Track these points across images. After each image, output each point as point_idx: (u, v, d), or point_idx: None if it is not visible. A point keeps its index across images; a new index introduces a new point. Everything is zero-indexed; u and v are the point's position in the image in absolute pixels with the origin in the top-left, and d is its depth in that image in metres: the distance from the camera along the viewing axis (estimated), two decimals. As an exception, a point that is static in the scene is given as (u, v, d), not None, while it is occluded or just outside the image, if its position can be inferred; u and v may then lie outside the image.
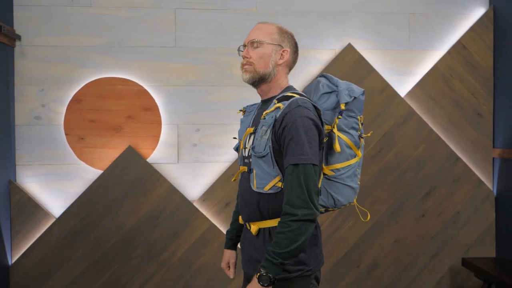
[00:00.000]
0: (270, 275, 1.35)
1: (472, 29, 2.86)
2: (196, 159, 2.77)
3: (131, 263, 2.68)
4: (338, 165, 1.52)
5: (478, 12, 2.90)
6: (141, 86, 2.72)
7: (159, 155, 2.74)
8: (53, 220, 2.65)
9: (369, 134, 1.76)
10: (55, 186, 2.69)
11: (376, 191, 2.82)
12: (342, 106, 1.49)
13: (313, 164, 1.37)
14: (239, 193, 1.57)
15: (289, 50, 1.53)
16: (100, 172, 2.69)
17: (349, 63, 2.80)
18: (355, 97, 1.53)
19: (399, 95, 2.83)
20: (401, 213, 2.84)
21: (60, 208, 2.68)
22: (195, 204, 2.74)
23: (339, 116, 1.50)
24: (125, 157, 2.68)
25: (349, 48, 2.80)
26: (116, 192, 2.67)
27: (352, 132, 1.54)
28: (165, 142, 2.75)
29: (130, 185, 2.67)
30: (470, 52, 2.87)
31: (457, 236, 2.86)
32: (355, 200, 1.60)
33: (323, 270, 2.79)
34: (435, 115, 2.88)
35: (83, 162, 2.70)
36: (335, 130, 1.50)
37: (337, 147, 1.48)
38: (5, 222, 2.57)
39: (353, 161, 1.54)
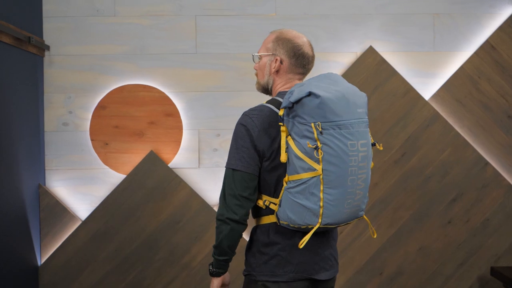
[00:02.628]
0: (210, 267, 1.56)
1: (501, 28, 2.75)
2: (217, 164, 2.79)
3: (153, 266, 2.73)
4: (289, 177, 1.41)
5: (508, 10, 2.78)
6: (163, 93, 2.78)
7: (180, 160, 2.79)
8: (79, 223, 2.74)
9: (380, 147, 1.50)
10: (81, 190, 2.79)
11: (399, 196, 2.76)
12: (281, 112, 1.41)
13: (232, 169, 1.46)
14: None
15: (281, 57, 1.54)
16: (123, 176, 2.77)
17: (370, 66, 2.75)
18: (294, 102, 1.37)
19: (423, 98, 2.75)
20: (426, 220, 2.76)
21: (86, 211, 2.77)
22: (215, 208, 2.76)
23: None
24: (147, 162, 2.74)
25: (370, 51, 2.75)
26: (138, 196, 2.73)
27: (303, 141, 1.36)
28: (186, 147, 2.79)
29: (152, 189, 2.73)
30: (499, 52, 2.75)
31: (486, 244, 2.75)
32: (365, 217, 1.53)
33: (344, 275, 2.75)
34: (462, 118, 2.78)
35: (107, 167, 2.78)
36: (288, 137, 1.40)
37: (282, 156, 1.40)
38: (34, 224, 2.68)
39: (305, 175, 1.36)
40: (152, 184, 2.74)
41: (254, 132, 1.46)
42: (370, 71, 2.75)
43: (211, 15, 2.79)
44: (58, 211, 2.74)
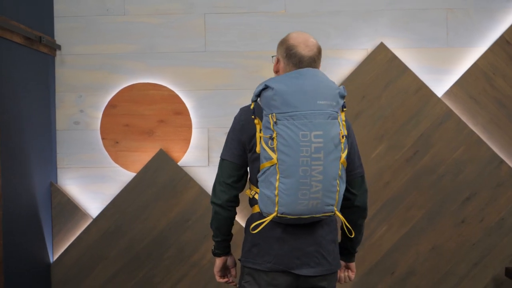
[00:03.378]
0: (212, 247, 1.74)
1: (516, 23, 2.68)
2: (226, 162, 2.78)
3: (163, 264, 2.74)
4: (260, 167, 1.51)
5: (524, 4, 2.71)
6: (172, 91, 2.78)
7: (189, 158, 2.79)
8: (90, 221, 2.77)
9: (342, 140, 1.46)
10: (92, 188, 2.81)
11: (411, 195, 2.71)
12: (251, 106, 1.52)
13: (221, 158, 1.64)
14: None
15: (279, 57, 1.61)
16: (133, 174, 2.78)
17: (381, 62, 2.71)
18: (258, 95, 1.47)
19: (435, 95, 2.70)
20: (439, 219, 2.71)
21: (97, 209, 2.80)
22: (224, 206, 2.75)
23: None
24: (156, 160, 2.75)
25: (381, 48, 2.71)
26: (148, 194, 2.74)
27: (266, 132, 1.45)
28: (195, 146, 2.79)
29: (161, 187, 2.74)
30: (514, 47, 2.68)
31: (500, 244, 2.69)
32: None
33: (355, 275, 2.71)
34: (476, 115, 2.72)
35: (118, 165, 2.80)
36: (261, 130, 1.50)
37: (257, 147, 1.51)
38: (46, 222, 2.72)
39: (266, 164, 1.46)
40: (162, 182, 2.74)
41: (239, 125, 1.60)
42: (381, 68, 2.71)
43: (220, 13, 2.78)
44: (70, 209, 2.76)
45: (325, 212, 1.47)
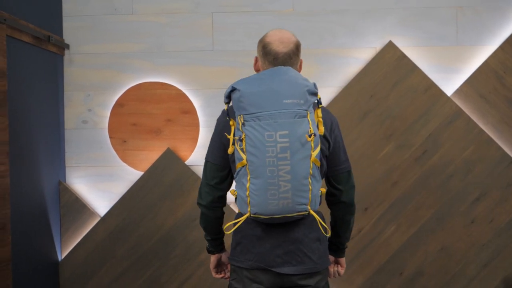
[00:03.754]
0: (206, 245, 1.79)
1: (528, 21, 2.64)
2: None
3: (170, 263, 2.74)
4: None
5: (535, 2, 2.67)
6: (180, 90, 2.78)
7: (197, 157, 2.79)
8: (98, 219, 2.78)
9: (308, 139, 1.42)
10: (100, 187, 2.82)
11: (420, 195, 2.68)
12: (225, 108, 1.52)
13: (205, 160, 1.63)
14: None
15: (257, 56, 1.63)
16: (141, 173, 2.79)
17: (390, 61, 2.69)
18: (228, 97, 1.48)
19: (445, 94, 2.67)
20: (448, 219, 2.68)
21: (105, 208, 2.81)
22: (231, 206, 2.75)
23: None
24: (164, 159, 2.75)
25: (390, 46, 2.68)
26: (156, 193, 2.75)
27: (235, 133, 1.48)
28: (203, 145, 2.79)
29: (168, 186, 2.74)
30: (525, 46, 2.65)
31: (511, 245, 2.65)
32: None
33: (362, 275, 2.70)
34: (486, 115, 2.69)
35: (125, 164, 2.80)
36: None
37: (230, 148, 1.51)
38: (55, 220, 2.73)
39: (238, 165, 1.47)
40: (169, 181, 2.75)
41: (219, 127, 1.60)
42: (390, 66, 2.69)
43: (228, 12, 2.77)
44: (78, 208, 2.78)
45: (298, 212, 1.46)
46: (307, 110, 1.42)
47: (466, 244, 2.68)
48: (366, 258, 2.71)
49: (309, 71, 2.75)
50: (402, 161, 2.69)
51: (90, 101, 2.82)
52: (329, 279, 1.77)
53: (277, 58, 1.56)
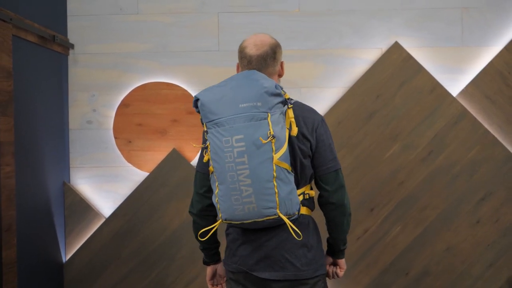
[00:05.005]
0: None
1: (532, 22, 2.66)
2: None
3: (176, 264, 2.73)
4: None
5: (540, 3, 2.69)
6: (185, 90, 2.77)
7: (202, 158, 2.78)
8: (103, 220, 2.76)
9: (263, 141, 1.39)
10: (105, 188, 2.80)
11: (426, 195, 2.69)
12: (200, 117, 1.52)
13: (195, 170, 1.63)
14: None
15: (238, 62, 1.67)
16: (146, 174, 2.77)
17: (396, 62, 2.69)
18: (195, 107, 1.50)
19: (450, 95, 2.68)
20: (453, 219, 2.69)
21: (110, 209, 2.79)
22: (238, 206, 2.74)
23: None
24: (169, 159, 2.74)
25: (396, 47, 2.69)
26: (161, 194, 2.73)
27: (203, 141, 1.56)
28: (208, 145, 2.78)
29: (174, 187, 2.73)
30: (530, 47, 2.66)
31: (516, 245, 2.67)
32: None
33: (368, 276, 2.70)
34: (491, 115, 2.70)
35: (130, 165, 2.79)
36: None
37: (205, 157, 1.51)
38: (59, 221, 2.71)
39: (211, 172, 1.49)
40: (175, 182, 2.73)
41: (202, 136, 1.59)
42: (396, 67, 2.69)
43: (234, 12, 2.77)
44: (83, 209, 2.76)
45: (266, 216, 1.42)
46: (266, 112, 1.38)
47: (471, 244, 2.69)
48: (372, 258, 2.71)
49: (315, 72, 2.75)
50: (408, 162, 2.69)
51: (95, 101, 2.80)
52: (333, 280, 1.76)
53: (251, 61, 1.57)
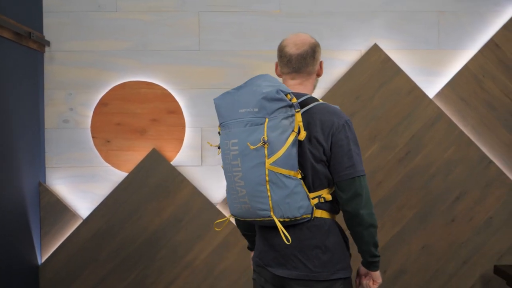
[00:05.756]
0: None
1: (505, 27, 2.74)
2: (220, 162, 2.75)
3: (156, 265, 2.70)
4: None
5: (512, 9, 2.78)
6: (165, 90, 2.75)
7: (183, 158, 2.76)
8: (80, 221, 2.71)
9: (251, 147, 1.42)
10: (82, 188, 2.75)
11: (403, 195, 2.75)
12: None
13: None
14: None
15: (277, 61, 1.68)
16: (125, 174, 2.73)
17: (375, 63, 2.73)
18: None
19: (427, 96, 2.74)
20: (429, 218, 2.75)
21: (87, 210, 2.74)
22: (218, 207, 2.74)
23: None
24: (149, 159, 2.71)
25: (375, 49, 2.73)
26: (141, 194, 2.70)
27: None
28: (189, 145, 2.76)
29: (154, 187, 2.70)
30: (503, 50, 2.75)
31: (489, 243, 2.75)
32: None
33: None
34: (466, 117, 2.77)
35: (109, 165, 2.74)
36: None
37: None
38: (34, 223, 2.64)
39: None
40: (155, 182, 2.71)
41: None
42: (375, 69, 2.74)
43: (215, 12, 2.75)
44: (59, 210, 2.70)
45: (262, 217, 1.46)
46: (264, 117, 1.40)
47: (446, 243, 2.76)
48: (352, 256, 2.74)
49: (295, 72, 2.76)
50: (387, 162, 2.74)
51: (72, 100, 2.74)
52: None
53: (291, 60, 1.58)
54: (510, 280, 2.51)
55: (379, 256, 1.61)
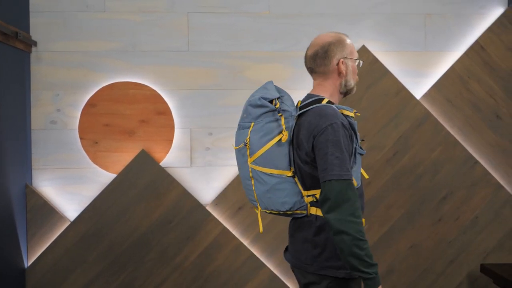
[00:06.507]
0: None
1: (490, 29, 2.79)
2: (209, 163, 2.76)
3: (144, 266, 2.68)
4: None
5: (497, 11, 2.83)
6: (154, 90, 2.73)
7: (172, 159, 2.75)
8: (68, 224, 2.68)
9: (235, 147, 1.66)
10: (69, 190, 2.72)
11: (391, 195, 2.78)
12: None
13: None
14: (363, 190, 1.70)
15: None
16: (113, 176, 2.71)
17: (363, 65, 2.75)
18: None
19: (414, 98, 2.78)
20: (417, 218, 2.79)
21: (75, 212, 2.71)
22: (208, 208, 2.73)
23: None
24: (138, 161, 2.69)
25: (363, 50, 2.76)
26: (129, 196, 2.68)
27: None
28: (178, 146, 2.75)
29: (143, 189, 2.69)
30: (488, 53, 2.80)
31: (475, 242, 2.79)
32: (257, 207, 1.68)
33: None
34: (452, 118, 2.82)
35: (97, 166, 2.72)
36: None
37: None
38: (21, 225, 2.61)
39: None
40: (143, 183, 2.69)
41: None
42: (363, 70, 2.75)
43: (204, 13, 2.75)
44: (46, 212, 2.66)
45: (254, 206, 1.66)
46: (250, 122, 1.56)
47: (434, 242, 2.79)
48: (340, 257, 2.76)
49: (284, 73, 2.78)
50: (375, 162, 2.77)
51: (59, 101, 2.71)
52: None
53: (306, 62, 1.66)
54: (496, 278, 2.56)
55: (368, 273, 1.40)
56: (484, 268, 2.67)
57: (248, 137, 1.54)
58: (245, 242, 2.74)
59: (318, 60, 1.59)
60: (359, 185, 1.58)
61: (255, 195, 1.60)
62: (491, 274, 2.60)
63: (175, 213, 2.69)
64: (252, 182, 1.58)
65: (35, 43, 2.67)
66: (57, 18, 2.69)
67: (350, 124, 1.54)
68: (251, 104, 1.54)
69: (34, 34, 2.68)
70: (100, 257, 2.67)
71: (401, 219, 2.78)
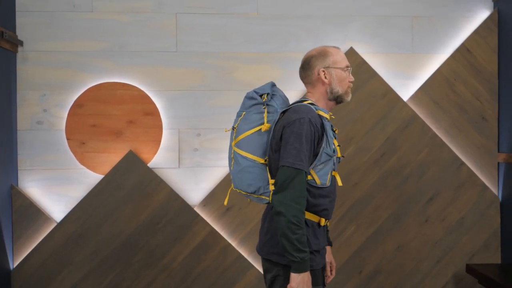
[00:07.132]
0: None
1: (476, 32, 2.82)
2: (197, 164, 2.76)
3: (132, 268, 2.67)
4: None
5: (483, 15, 2.86)
6: (142, 91, 2.72)
7: (160, 160, 2.74)
8: (54, 225, 2.66)
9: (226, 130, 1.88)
10: (56, 191, 2.70)
11: (378, 196, 2.79)
12: None
13: None
14: (333, 193, 1.72)
15: None
16: (101, 176, 2.69)
17: (351, 67, 2.76)
18: None
19: (401, 99, 2.80)
20: (404, 219, 2.81)
21: (62, 213, 2.69)
22: (196, 209, 2.73)
23: None
24: (126, 161, 2.68)
25: (351, 52, 2.77)
26: (117, 196, 2.67)
27: None
28: (166, 147, 2.75)
29: (130, 189, 2.67)
30: (474, 55, 2.83)
31: (461, 242, 2.82)
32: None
33: (325, 276, 2.76)
34: (439, 119, 2.84)
35: (84, 167, 2.70)
36: None
37: None
38: (6, 226, 2.58)
39: None
40: (131, 184, 2.68)
41: None
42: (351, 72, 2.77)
43: (192, 13, 2.75)
44: (32, 213, 2.64)
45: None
46: (243, 111, 1.75)
47: (420, 242, 2.82)
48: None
49: (272, 74, 2.78)
50: (362, 163, 2.79)
51: (46, 101, 2.69)
52: None
53: (300, 68, 1.82)
54: (481, 278, 2.58)
55: (294, 256, 1.53)
56: (469, 268, 2.70)
57: (237, 123, 1.73)
58: (233, 243, 2.74)
59: (303, 72, 1.78)
60: (326, 185, 1.65)
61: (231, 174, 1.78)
62: (476, 274, 2.63)
63: (163, 214, 2.69)
64: (232, 163, 1.74)
65: (21, 43, 2.64)
66: (44, 18, 2.67)
67: (322, 124, 1.64)
68: (246, 96, 1.76)
69: (21, 33, 2.66)
70: (87, 259, 2.66)
71: (388, 220, 2.80)
